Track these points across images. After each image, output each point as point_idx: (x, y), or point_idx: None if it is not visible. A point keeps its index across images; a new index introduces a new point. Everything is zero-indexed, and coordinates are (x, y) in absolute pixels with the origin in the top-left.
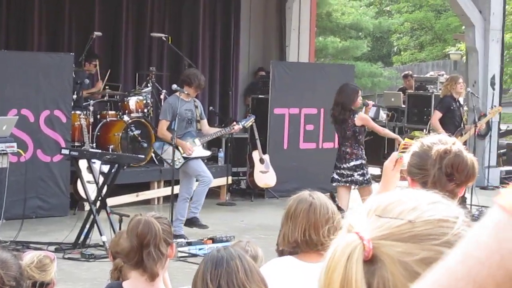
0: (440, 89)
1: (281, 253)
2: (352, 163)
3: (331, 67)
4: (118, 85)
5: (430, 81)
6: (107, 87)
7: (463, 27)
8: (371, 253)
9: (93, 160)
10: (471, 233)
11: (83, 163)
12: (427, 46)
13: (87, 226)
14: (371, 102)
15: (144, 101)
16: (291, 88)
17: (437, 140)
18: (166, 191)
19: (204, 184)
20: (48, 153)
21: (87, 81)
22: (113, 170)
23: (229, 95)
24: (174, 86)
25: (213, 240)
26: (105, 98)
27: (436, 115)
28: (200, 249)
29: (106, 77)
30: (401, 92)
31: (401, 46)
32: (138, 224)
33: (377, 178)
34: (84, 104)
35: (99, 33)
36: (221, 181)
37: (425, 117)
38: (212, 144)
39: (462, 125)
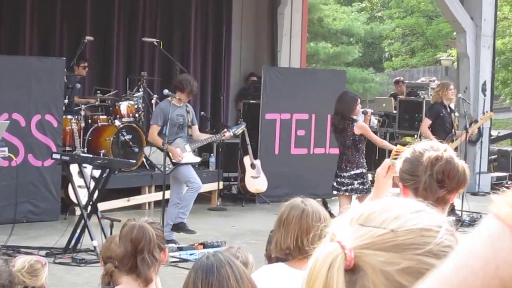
0: (431, 95)
1: (269, 257)
2: (352, 172)
3: (322, 73)
4: (109, 90)
5: (422, 87)
6: (98, 91)
7: (455, 33)
8: (353, 262)
9: (84, 165)
10: (465, 243)
11: (74, 168)
12: (419, 52)
13: (78, 230)
14: (369, 110)
15: (136, 106)
16: (283, 93)
17: (429, 147)
18: (157, 196)
19: (193, 190)
20: (39, 158)
21: (78, 85)
22: (104, 175)
23: (221, 100)
24: (166, 91)
25: (204, 245)
26: (96, 103)
27: (426, 122)
28: (191, 254)
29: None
30: (392, 98)
31: (392, 52)
32: (133, 229)
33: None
34: (75, 108)
35: (91, 38)
36: (212, 186)
37: (416, 123)
38: (204, 149)
39: (453, 131)
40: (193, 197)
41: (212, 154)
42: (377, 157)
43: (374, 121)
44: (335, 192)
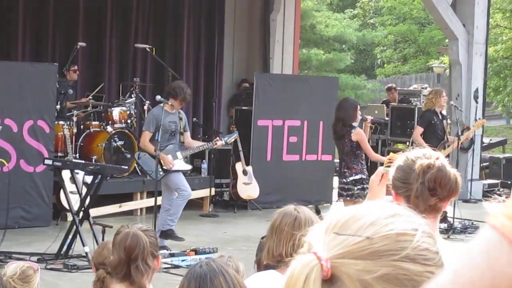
0: (423, 102)
1: (258, 264)
2: (351, 178)
3: (315, 79)
4: (102, 96)
5: (414, 94)
6: (90, 97)
7: (447, 40)
8: (330, 273)
9: (76, 171)
10: (463, 253)
11: (66, 174)
12: (411, 59)
13: (70, 236)
14: (369, 117)
15: (128, 112)
16: (275, 100)
17: (422, 154)
18: (149, 202)
19: (183, 198)
20: (31, 163)
21: (71, 91)
22: (96, 181)
23: (213, 106)
24: (158, 97)
25: (196, 251)
26: (88, 109)
27: (418, 130)
28: (182, 260)
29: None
30: (384, 105)
31: (384, 58)
32: (126, 237)
33: None
34: (67, 114)
35: (83, 44)
36: (204, 192)
37: (408, 130)
38: (196, 155)
39: (445, 138)
40: (183, 205)
41: (204, 160)
42: (369, 164)
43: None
44: (339, 198)
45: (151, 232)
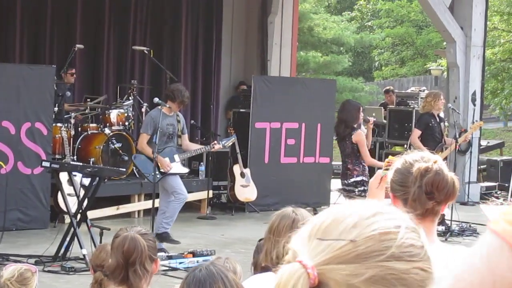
0: (421, 105)
1: (255, 266)
2: (352, 180)
3: (312, 82)
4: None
5: (411, 97)
6: (88, 99)
7: (445, 43)
8: (317, 280)
9: (74, 173)
10: (464, 257)
11: (63, 176)
12: (408, 61)
13: (68, 239)
14: (372, 119)
15: (126, 114)
16: (273, 102)
17: (420, 157)
18: (147, 204)
19: (179, 201)
20: (29, 166)
21: (68, 93)
22: (94, 183)
23: (211, 108)
24: (156, 100)
25: (194, 254)
26: (86, 111)
27: (415, 133)
28: (180, 262)
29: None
30: (382, 107)
31: (382, 61)
32: (124, 241)
33: None
34: (65, 116)
35: (81, 46)
36: (202, 194)
37: (406, 132)
38: (193, 157)
39: (443, 140)
40: (179, 208)
41: (202, 163)
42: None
43: (364, 130)
44: (343, 198)
45: (149, 236)
